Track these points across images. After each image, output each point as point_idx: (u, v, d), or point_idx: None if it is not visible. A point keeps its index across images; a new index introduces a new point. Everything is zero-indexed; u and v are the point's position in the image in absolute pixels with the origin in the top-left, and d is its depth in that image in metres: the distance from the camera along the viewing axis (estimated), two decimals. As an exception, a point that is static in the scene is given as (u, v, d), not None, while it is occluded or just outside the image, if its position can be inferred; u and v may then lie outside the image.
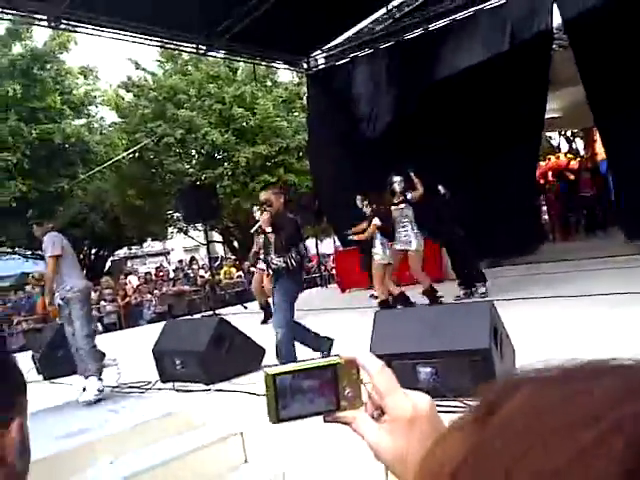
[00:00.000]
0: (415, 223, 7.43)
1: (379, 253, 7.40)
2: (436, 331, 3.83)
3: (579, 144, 23.03)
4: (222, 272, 15.88)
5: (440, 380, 3.62)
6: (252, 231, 6.25)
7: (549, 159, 18.34)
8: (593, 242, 12.21)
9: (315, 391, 0.61)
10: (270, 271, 5.24)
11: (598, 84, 9.45)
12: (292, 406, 0.60)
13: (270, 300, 8.57)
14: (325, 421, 0.62)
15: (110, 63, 23.84)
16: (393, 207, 7.52)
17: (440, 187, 8.04)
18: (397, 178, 7.59)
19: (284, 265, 4.97)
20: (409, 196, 7.50)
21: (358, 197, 7.96)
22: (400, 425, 0.57)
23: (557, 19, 10.14)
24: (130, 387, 5.37)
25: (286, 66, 14.30)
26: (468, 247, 7.72)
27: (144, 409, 4.37)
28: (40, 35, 22.18)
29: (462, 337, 3.67)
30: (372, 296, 9.28)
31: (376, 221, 7.41)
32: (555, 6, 9.92)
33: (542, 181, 15.93)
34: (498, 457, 0.30)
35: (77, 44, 17.96)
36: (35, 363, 6.73)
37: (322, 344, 5.20)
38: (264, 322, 8.52)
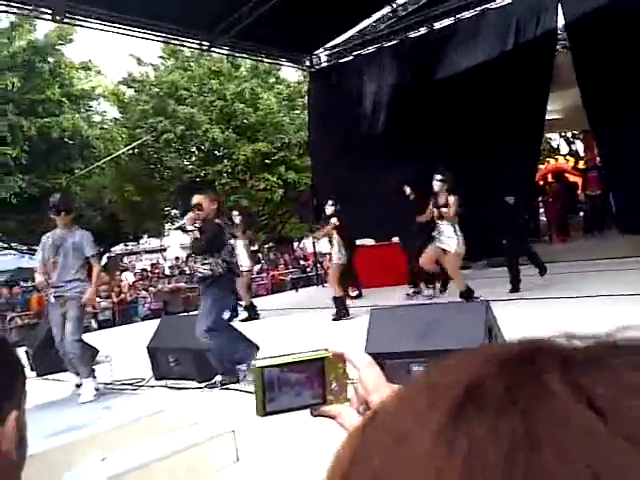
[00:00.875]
0: (457, 224, 7.03)
1: (336, 254, 7.39)
2: (431, 330, 3.82)
3: (579, 146, 23.02)
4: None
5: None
6: (173, 228, 6.27)
7: (548, 162, 18.36)
8: (590, 243, 12.19)
9: (302, 384, 0.61)
10: (196, 281, 5.12)
11: (594, 87, 9.43)
12: (279, 399, 0.60)
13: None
14: (312, 415, 0.62)
15: (112, 59, 23.81)
16: (435, 209, 7.11)
17: (406, 187, 8.03)
18: (438, 177, 7.19)
19: (210, 272, 4.87)
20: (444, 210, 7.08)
21: (329, 201, 7.87)
22: None
23: (561, 20, 10.12)
24: (123, 384, 5.34)
25: (289, 63, 14.29)
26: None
27: (137, 406, 4.34)
28: (42, 27, 22.09)
29: (457, 336, 3.65)
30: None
31: (334, 220, 7.42)
32: (560, 7, 9.89)
33: (542, 182, 15.94)
34: (367, 463, 0.29)
35: (77, 32, 17.82)
36: (29, 359, 6.68)
37: (231, 370, 4.89)
38: (244, 320, 8.81)
